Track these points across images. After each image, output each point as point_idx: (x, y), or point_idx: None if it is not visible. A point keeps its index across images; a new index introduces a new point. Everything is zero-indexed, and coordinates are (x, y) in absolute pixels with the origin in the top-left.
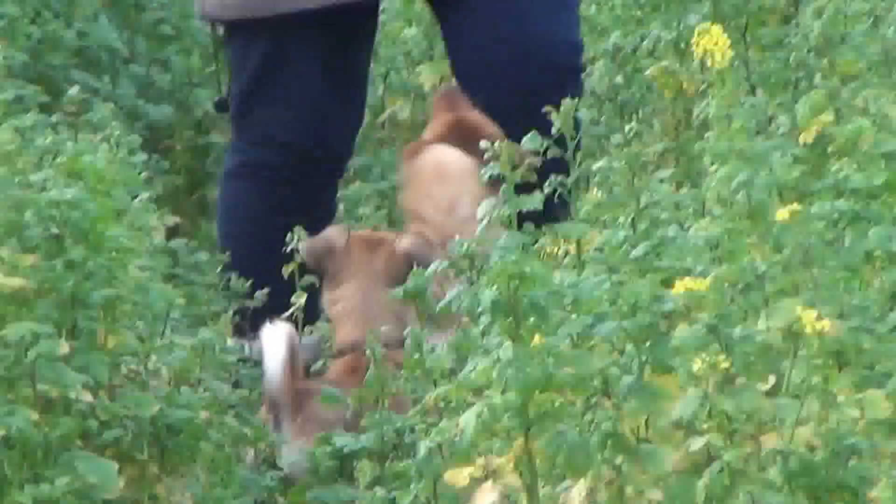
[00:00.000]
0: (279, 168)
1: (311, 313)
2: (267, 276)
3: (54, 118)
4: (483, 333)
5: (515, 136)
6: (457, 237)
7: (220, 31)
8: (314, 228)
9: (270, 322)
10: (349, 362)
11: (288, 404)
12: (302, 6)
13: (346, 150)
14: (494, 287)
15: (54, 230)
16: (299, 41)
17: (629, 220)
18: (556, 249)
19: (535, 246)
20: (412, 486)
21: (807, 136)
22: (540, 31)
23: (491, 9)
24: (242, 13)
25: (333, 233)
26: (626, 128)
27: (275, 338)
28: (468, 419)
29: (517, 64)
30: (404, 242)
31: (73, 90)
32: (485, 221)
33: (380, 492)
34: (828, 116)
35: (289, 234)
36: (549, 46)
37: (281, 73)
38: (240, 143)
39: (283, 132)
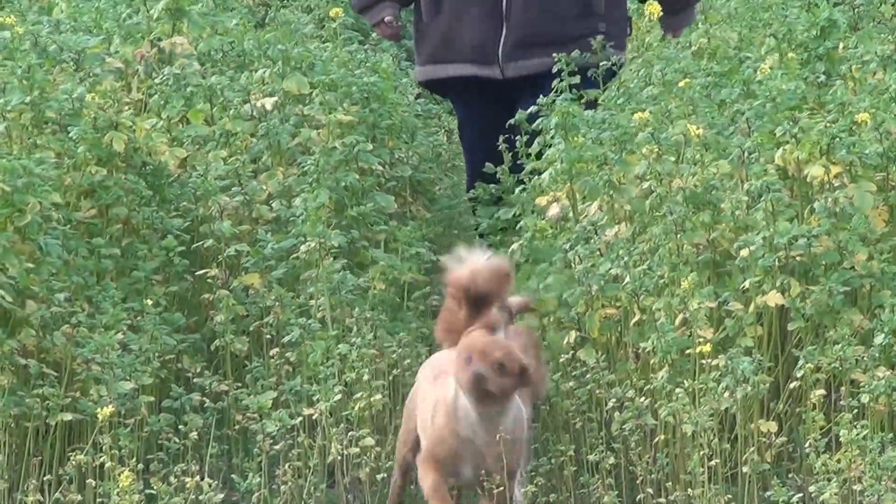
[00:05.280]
0: None
1: None
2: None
3: (365, 46)
4: (552, 137)
5: None
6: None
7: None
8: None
9: None
10: None
11: None
12: (446, 74)
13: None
14: (556, 117)
15: (365, 94)
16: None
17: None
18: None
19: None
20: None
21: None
22: None
23: None
24: (424, 77)
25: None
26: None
27: None
28: (545, 175)
29: None
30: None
31: (374, 34)
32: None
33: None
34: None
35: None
36: None
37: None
38: None
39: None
